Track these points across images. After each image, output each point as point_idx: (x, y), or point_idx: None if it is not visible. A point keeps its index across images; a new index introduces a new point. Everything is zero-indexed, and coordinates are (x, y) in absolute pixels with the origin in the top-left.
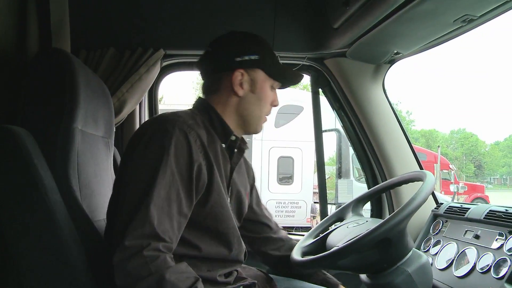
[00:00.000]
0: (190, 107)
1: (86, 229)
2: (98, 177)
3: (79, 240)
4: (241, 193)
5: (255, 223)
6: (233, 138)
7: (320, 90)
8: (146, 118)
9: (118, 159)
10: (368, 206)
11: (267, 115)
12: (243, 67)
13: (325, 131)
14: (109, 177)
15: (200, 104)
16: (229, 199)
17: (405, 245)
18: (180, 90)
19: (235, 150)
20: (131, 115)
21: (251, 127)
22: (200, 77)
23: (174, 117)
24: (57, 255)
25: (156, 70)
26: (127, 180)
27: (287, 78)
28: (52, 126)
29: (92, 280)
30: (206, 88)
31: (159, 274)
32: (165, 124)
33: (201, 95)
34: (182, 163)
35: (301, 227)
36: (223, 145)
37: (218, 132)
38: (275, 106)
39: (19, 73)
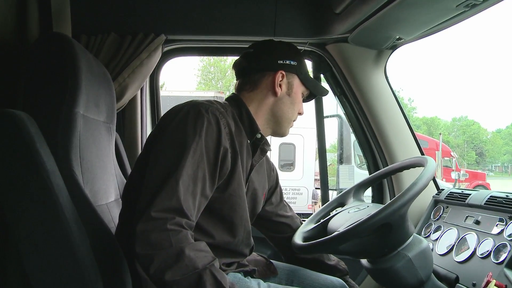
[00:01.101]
0: (192, 93)
1: (88, 213)
2: (100, 162)
3: (81, 224)
4: (257, 192)
5: (278, 224)
6: (258, 136)
7: (322, 76)
8: (148, 104)
9: (120, 144)
10: (369, 192)
11: (294, 121)
12: (284, 70)
13: (327, 117)
14: (111, 162)
15: (232, 98)
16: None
17: (405, 230)
18: (182, 76)
19: (259, 148)
20: (133, 100)
21: (281, 128)
22: (201, 64)
23: (208, 102)
24: (59, 239)
25: (158, 55)
26: (156, 156)
27: (316, 88)
28: (54, 110)
29: (95, 264)
30: (242, 85)
31: (179, 247)
32: (199, 107)
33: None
34: (210, 145)
35: (303, 213)
36: (248, 141)
37: (246, 127)
38: (301, 114)
39: (20, 58)
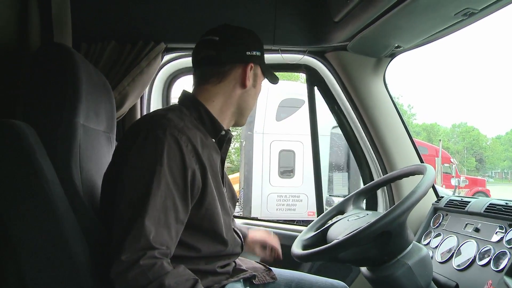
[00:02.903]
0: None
1: (88, 222)
2: (100, 172)
3: (80, 232)
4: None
5: None
6: (223, 133)
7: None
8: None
9: None
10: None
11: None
12: (253, 61)
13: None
14: None
15: (187, 99)
16: (225, 188)
17: (405, 238)
18: (181, 82)
19: (224, 142)
20: (133, 109)
21: (243, 119)
22: None
23: (164, 121)
24: (58, 247)
25: (157, 63)
26: (123, 188)
27: (273, 78)
28: (54, 120)
29: (93, 272)
30: (207, 77)
31: (158, 281)
32: (156, 130)
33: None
34: (175, 171)
35: (302, 221)
36: (213, 140)
37: (208, 128)
38: None
39: (20, 67)
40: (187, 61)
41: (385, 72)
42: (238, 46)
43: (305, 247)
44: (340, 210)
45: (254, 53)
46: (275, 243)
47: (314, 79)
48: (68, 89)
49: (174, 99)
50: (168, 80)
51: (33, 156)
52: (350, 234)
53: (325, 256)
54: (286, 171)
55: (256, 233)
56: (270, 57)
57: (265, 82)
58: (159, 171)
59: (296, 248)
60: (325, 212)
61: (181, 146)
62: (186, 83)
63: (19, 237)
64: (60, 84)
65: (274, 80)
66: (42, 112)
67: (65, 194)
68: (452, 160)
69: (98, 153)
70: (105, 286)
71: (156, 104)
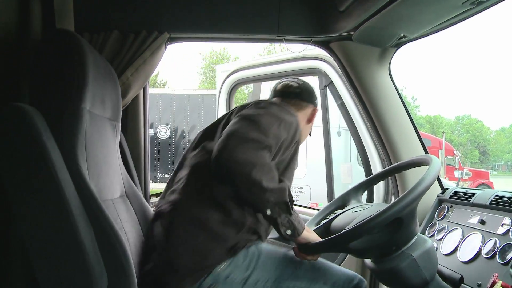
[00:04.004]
0: (195, 91)
1: (94, 207)
2: (105, 158)
3: (87, 217)
4: None
5: None
6: None
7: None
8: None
9: (124, 143)
10: None
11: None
12: (316, 106)
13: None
14: (116, 159)
15: None
16: None
17: (414, 227)
18: (185, 74)
19: None
20: (136, 99)
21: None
22: (203, 62)
23: None
24: (65, 232)
25: (161, 53)
26: None
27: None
28: (61, 106)
29: (100, 258)
30: (292, 104)
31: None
32: None
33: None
34: None
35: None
36: None
37: None
38: None
39: (24, 53)
40: (244, 74)
41: (390, 62)
42: (312, 95)
43: None
44: (340, 204)
45: (316, 101)
46: None
47: (326, 81)
48: (75, 74)
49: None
50: (230, 88)
51: (39, 139)
52: (363, 221)
53: (336, 245)
54: None
55: None
56: (286, 66)
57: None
58: None
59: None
60: (323, 207)
61: None
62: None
63: (24, 221)
64: (67, 69)
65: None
66: (48, 97)
67: (71, 178)
68: (455, 152)
69: (103, 140)
70: (111, 270)
71: (222, 105)
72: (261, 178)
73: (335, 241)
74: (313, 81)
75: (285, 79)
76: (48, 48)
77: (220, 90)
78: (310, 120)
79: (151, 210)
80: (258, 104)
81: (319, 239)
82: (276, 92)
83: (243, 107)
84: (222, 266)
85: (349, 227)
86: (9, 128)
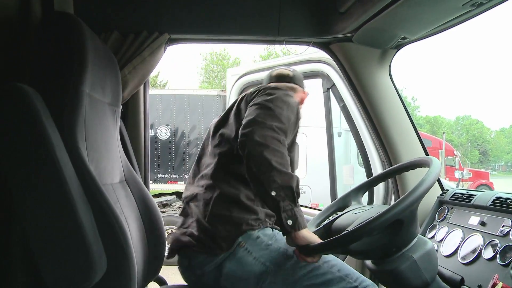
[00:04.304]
0: (195, 92)
1: (93, 188)
2: (105, 143)
3: (85, 199)
4: None
5: None
6: None
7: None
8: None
9: (124, 131)
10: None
11: None
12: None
13: None
14: (115, 144)
15: None
16: None
17: (414, 228)
18: (185, 75)
19: None
20: (136, 96)
21: None
22: (204, 62)
23: None
24: (64, 213)
25: (160, 54)
26: None
27: None
28: (60, 88)
29: (99, 239)
30: (287, 87)
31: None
32: None
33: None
34: None
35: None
36: None
37: None
38: None
39: (25, 36)
40: (253, 77)
41: (390, 63)
42: (301, 80)
43: None
44: (340, 206)
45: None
46: None
47: (328, 83)
48: (74, 57)
49: None
50: (240, 90)
51: (38, 119)
52: (364, 222)
53: (337, 246)
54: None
55: None
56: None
57: None
58: None
59: None
60: (324, 208)
61: None
62: None
63: (23, 201)
64: (66, 51)
65: None
66: (48, 79)
67: (70, 159)
68: (455, 152)
69: (103, 124)
70: (110, 251)
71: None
72: (271, 158)
73: (335, 243)
74: (317, 84)
75: (278, 68)
76: (47, 30)
77: (231, 91)
78: (301, 102)
79: (151, 197)
80: (265, 90)
81: (319, 241)
82: (272, 78)
83: (252, 93)
84: (253, 232)
85: (350, 228)
86: (8, 107)
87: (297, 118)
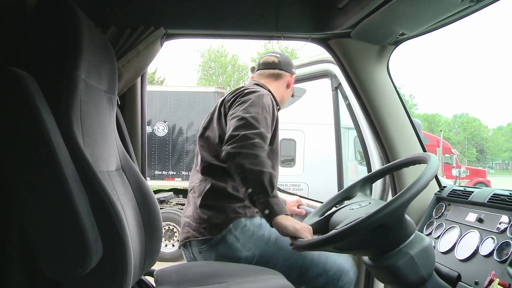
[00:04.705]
0: (192, 88)
1: (89, 174)
2: (101, 129)
3: (80, 184)
4: None
5: None
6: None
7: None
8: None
9: (120, 118)
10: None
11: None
12: (293, 74)
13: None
14: (112, 132)
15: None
16: None
17: (403, 231)
18: (182, 72)
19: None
20: (132, 88)
21: (283, 104)
22: (201, 59)
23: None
24: (59, 197)
25: (156, 48)
26: None
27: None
28: (55, 72)
29: (95, 224)
30: (270, 76)
31: None
32: None
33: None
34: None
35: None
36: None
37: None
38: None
39: (20, 19)
40: None
41: (388, 60)
42: (289, 65)
43: None
44: (346, 195)
45: (293, 70)
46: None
47: (336, 83)
48: (69, 41)
49: None
50: None
51: (33, 104)
52: (346, 226)
53: (322, 246)
54: (287, 160)
55: (291, 198)
56: (304, 70)
57: None
58: None
59: None
60: (332, 197)
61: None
62: None
63: (18, 187)
64: (61, 36)
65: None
66: (43, 64)
67: (65, 144)
68: (453, 150)
69: (99, 111)
70: (105, 237)
71: None
72: (244, 162)
73: (322, 242)
74: (316, 83)
75: (266, 54)
76: (42, 14)
77: None
78: (288, 86)
79: (148, 186)
80: (240, 95)
81: (296, 224)
82: (259, 65)
83: (229, 99)
84: (241, 219)
85: (339, 227)
86: (2, 92)
87: (273, 115)
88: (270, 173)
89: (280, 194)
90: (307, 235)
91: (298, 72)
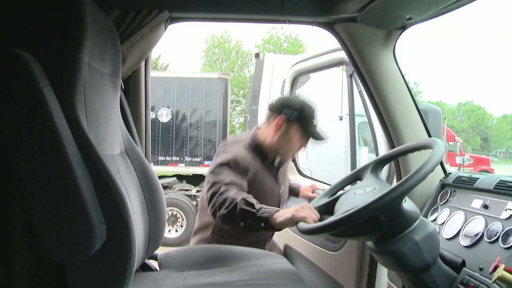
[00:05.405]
0: (195, 74)
1: (92, 156)
2: (105, 113)
3: (84, 166)
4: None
5: None
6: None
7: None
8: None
9: (124, 101)
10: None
11: (293, 154)
12: (286, 115)
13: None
14: (115, 115)
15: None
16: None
17: (401, 221)
18: (186, 57)
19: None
20: (136, 72)
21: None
22: (205, 45)
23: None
24: (63, 179)
25: (160, 32)
26: None
27: (314, 135)
28: (59, 54)
29: (99, 206)
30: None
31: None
32: None
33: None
34: None
35: None
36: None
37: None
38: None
39: (24, 1)
40: (304, 66)
41: (395, 45)
42: (281, 103)
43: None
44: (357, 176)
45: (291, 110)
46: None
47: (350, 70)
48: (73, 23)
49: None
50: (293, 77)
51: (37, 86)
52: (342, 215)
53: (322, 232)
54: None
55: (306, 183)
56: (324, 58)
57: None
58: None
59: None
60: (343, 177)
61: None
62: None
63: (22, 168)
64: (65, 17)
65: (314, 137)
66: (47, 46)
67: (69, 127)
68: (456, 138)
69: (103, 94)
70: (109, 220)
71: (286, 91)
72: (220, 211)
73: (321, 229)
74: (318, 74)
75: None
76: None
77: (285, 79)
78: (277, 128)
79: (152, 170)
80: (213, 163)
81: (292, 215)
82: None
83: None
84: None
85: (338, 214)
86: (5, 73)
87: (243, 171)
88: (241, 198)
89: (296, 178)
90: (306, 211)
91: (313, 62)
